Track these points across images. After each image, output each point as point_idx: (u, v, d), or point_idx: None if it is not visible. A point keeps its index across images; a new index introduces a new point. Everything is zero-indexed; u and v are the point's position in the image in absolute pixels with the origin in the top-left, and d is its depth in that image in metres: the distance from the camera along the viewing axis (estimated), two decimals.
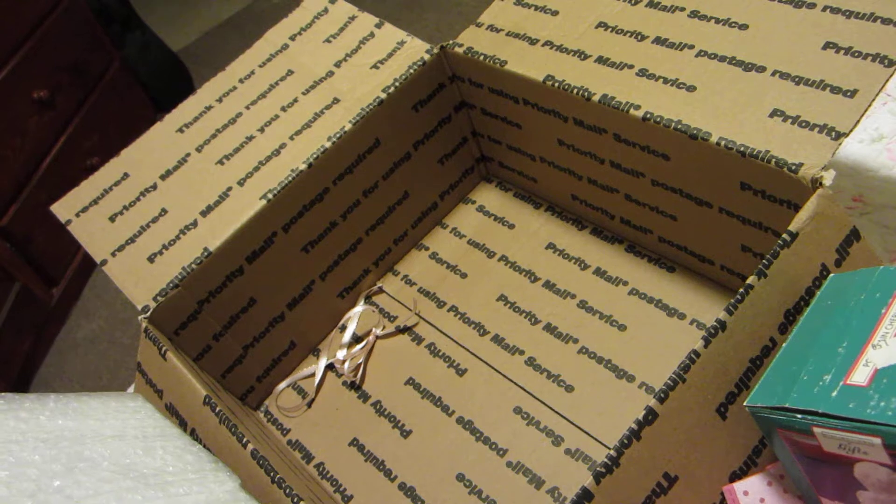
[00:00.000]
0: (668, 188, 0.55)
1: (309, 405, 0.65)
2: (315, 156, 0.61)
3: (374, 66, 0.65)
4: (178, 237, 0.59)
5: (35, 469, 0.39)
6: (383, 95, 0.63)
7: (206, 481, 0.43)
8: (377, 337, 0.67)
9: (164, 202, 0.62)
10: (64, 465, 0.40)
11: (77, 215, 0.63)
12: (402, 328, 0.67)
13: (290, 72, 0.67)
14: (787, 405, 0.34)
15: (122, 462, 0.42)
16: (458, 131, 0.71)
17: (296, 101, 0.65)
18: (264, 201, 0.59)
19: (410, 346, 0.66)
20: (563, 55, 0.57)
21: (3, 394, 0.44)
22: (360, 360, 0.66)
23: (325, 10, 0.70)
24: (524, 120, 0.63)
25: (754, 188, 0.48)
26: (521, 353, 0.62)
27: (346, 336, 0.67)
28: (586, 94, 0.54)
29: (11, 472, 0.38)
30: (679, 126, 0.49)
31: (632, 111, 0.51)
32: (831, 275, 0.41)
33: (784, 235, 0.41)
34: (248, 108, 0.66)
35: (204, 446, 0.50)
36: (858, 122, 0.43)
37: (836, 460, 0.33)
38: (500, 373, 0.61)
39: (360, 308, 0.69)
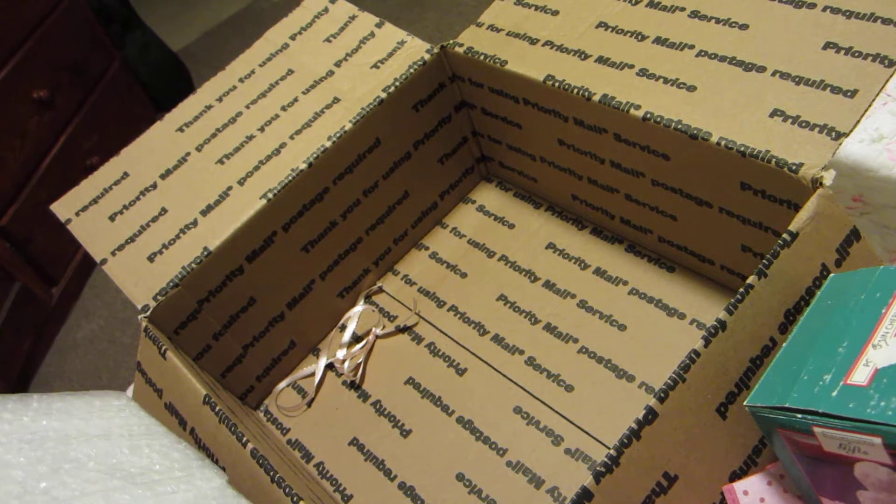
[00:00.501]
0: (668, 188, 0.55)
1: (309, 405, 0.65)
2: (315, 155, 0.61)
3: (375, 66, 0.65)
4: (178, 236, 0.59)
5: (20, 471, 0.39)
6: (383, 95, 0.63)
7: (193, 479, 0.43)
8: (377, 336, 0.67)
9: (164, 201, 0.62)
10: (49, 466, 0.40)
11: (77, 214, 0.63)
12: (402, 328, 0.67)
13: (291, 71, 0.67)
14: (787, 405, 0.34)
15: (109, 462, 0.42)
16: (459, 131, 0.71)
17: (296, 100, 0.65)
18: (264, 201, 0.59)
19: (410, 345, 0.66)
20: (564, 55, 0.57)
21: None
22: (360, 360, 0.66)
23: (326, 10, 0.70)
24: (524, 120, 0.63)
25: (754, 188, 0.48)
26: (521, 352, 0.62)
27: (346, 336, 0.67)
28: (586, 93, 0.54)
29: None
30: (679, 126, 0.49)
31: (632, 111, 0.51)
32: (831, 275, 0.41)
33: (784, 235, 0.41)
34: (248, 107, 0.66)
35: (203, 446, 0.50)
36: (858, 122, 0.43)
37: (836, 460, 0.33)
38: (500, 372, 0.61)
39: (360, 308, 0.69)
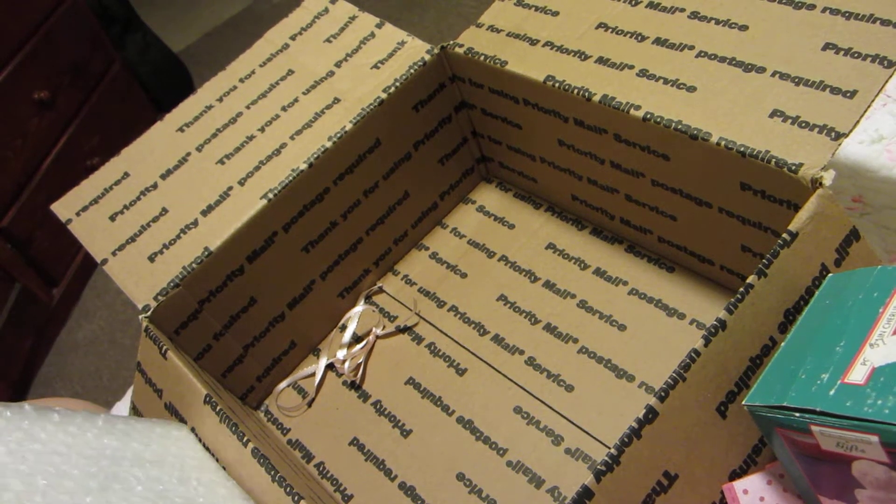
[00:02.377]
0: (668, 188, 0.55)
1: (309, 405, 0.66)
2: (315, 155, 0.61)
3: (375, 66, 0.65)
4: (178, 236, 0.59)
5: (72, 482, 0.40)
6: (384, 95, 0.63)
7: None
8: (377, 337, 0.67)
9: (164, 201, 0.62)
10: (100, 483, 0.41)
11: (77, 214, 0.63)
12: (402, 328, 0.67)
13: (291, 72, 0.67)
14: (785, 404, 0.34)
15: (156, 488, 0.43)
16: (459, 131, 0.71)
17: (296, 100, 0.65)
18: (265, 201, 0.59)
19: (410, 345, 0.66)
20: (564, 56, 0.57)
21: (58, 408, 0.45)
22: (361, 360, 0.66)
23: (326, 10, 0.71)
24: (524, 120, 0.63)
25: (754, 188, 0.48)
26: (521, 352, 0.62)
27: (347, 336, 0.67)
28: (587, 94, 0.54)
29: (49, 483, 0.39)
30: (679, 126, 0.49)
31: (632, 111, 0.51)
32: (830, 274, 0.41)
33: (784, 235, 0.41)
34: (248, 107, 0.66)
35: (203, 446, 0.50)
36: (858, 122, 0.44)
37: (834, 458, 0.33)
38: (500, 372, 0.61)
39: (360, 308, 0.69)
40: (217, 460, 0.49)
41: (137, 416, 0.51)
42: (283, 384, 0.67)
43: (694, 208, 0.54)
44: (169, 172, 0.63)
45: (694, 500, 0.40)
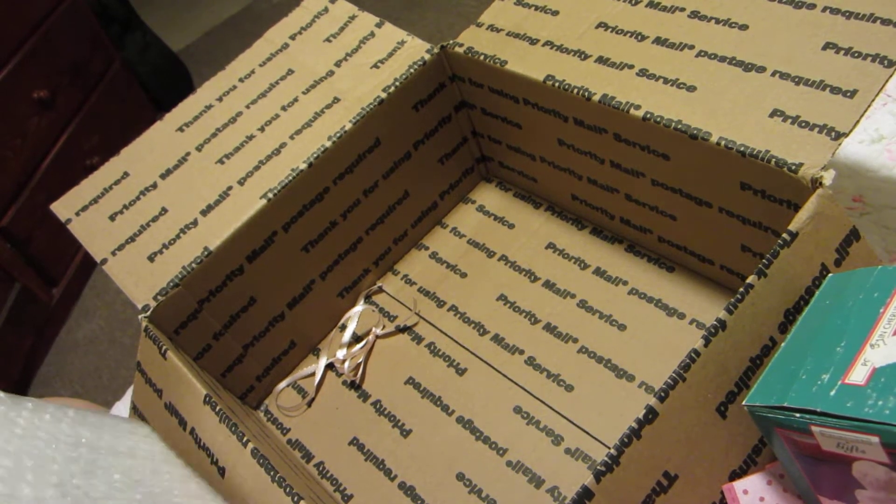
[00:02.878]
0: (668, 188, 0.55)
1: (309, 405, 0.66)
2: (315, 155, 0.61)
3: (375, 66, 0.65)
4: (178, 236, 0.59)
5: (57, 465, 0.42)
6: (383, 95, 0.63)
7: None
8: (377, 336, 0.67)
9: (164, 201, 0.62)
10: (82, 468, 0.43)
11: (77, 214, 0.63)
12: (402, 328, 0.67)
13: (291, 71, 0.67)
14: (785, 404, 0.34)
15: (133, 477, 0.45)
16: (459, 131, 0.71)
17: (296, 100, 0.65)
18: (264, 201, 0.59)
19: (410, 345, 0.66)
20: (564, 55, 0.57)
21: (29, 398, 0.46)
22: (360, 360, 0.66)
23: (326, 10, 0.70)
24: (524, 120, 0.63)
25: (754, 188, 0.48)
26: (521, 352, 0.62)
27: (346, 335, 0.67)
28: (586, 93, 0.54)
29: (36, 463, 0.41)
30: (679, 126, 0.49)
31: (632, 111, 0.51)
32: (830, 274, 0.41)
33: (784, 235, 0.41)
34: (248, 107, 0.66)
35: (203, 446, 0.50)
36: (858, 122, 0.44)
37: (834, 459, 0.33)
38: (499, 372, 0.61)
39: (360, 307, 0.69)
40: (214, 461, 0.49)
41: (118, 416, 0.52)
42: (282, 384, 0.67)
43: (694, 208, 0.54)
44: (169, 172, 0.63)
45: (694, 501, 0.40)
